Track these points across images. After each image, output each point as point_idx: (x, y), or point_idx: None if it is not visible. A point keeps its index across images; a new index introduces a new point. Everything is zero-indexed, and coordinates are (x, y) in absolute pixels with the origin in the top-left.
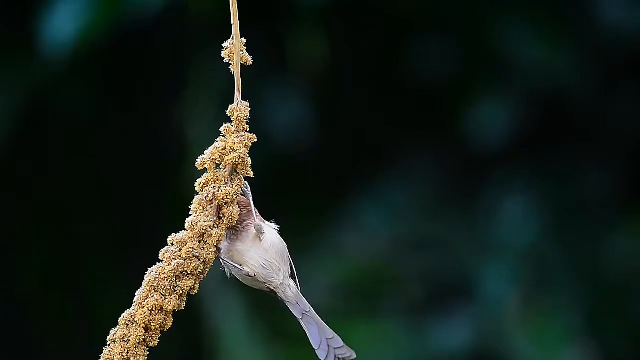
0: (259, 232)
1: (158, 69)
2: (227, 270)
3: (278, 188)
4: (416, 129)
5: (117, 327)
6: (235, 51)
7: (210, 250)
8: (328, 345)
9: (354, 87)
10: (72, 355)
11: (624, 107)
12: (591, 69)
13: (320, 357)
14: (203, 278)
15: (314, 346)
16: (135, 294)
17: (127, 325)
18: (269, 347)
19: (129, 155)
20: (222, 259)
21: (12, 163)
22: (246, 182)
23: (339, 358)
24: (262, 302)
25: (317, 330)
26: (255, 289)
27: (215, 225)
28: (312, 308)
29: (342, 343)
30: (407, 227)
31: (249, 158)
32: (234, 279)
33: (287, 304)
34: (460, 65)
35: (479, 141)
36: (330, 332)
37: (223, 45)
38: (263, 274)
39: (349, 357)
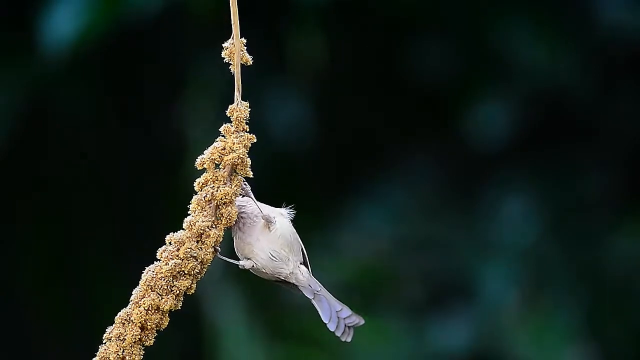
0: (268, 222)
1: (158, 69)
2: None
3: (278, 188)
4: (416, 129)
5: (113, 325)
6: (235, 51)
7: (208, 250)
8: (338, 317)
9: (354, 87)
10: (72, 355)
11: (624, 107)
12: (591, 69)
13: (331, 329)
14: (200, 278)
15: (324, 320)
16: (132, 293)
17: (123, 324)
18: (269, 346)
19: (129, 155)
20: (221, 259)
21: (12, 163)
22: (246, 182)
23: (348, 326)
24: (262, 300)
25: (328, 306)
26: (264, 279)
27: (214, 226)
28: (322, 286)
29: (350, 312)
30: (407, 227)
31: (249, 158)
32: (241, 271)
33: (300, 287)
34: (461, 65)
35: (479, 141)
36: (338, 305)
37: (223, 45)
38: (271, 266)
39: (358, 323)
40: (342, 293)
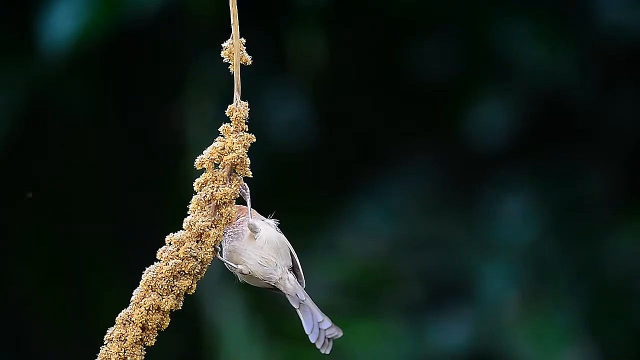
0: (253, 230)
1: (158, 69)
2: (237, 275)
3: (277, 188)
4: (416, 128)
5: (114, 326)
6: (234, 51)
7: (208, 250)
8: (319, 329)
9: (354, 87)
10: (72, 355)
11: (623, 107)
12: (591, 68)
13: (312, 341)
14: (201, 278)
15: (306, 332)
16: (133, 294)
17: (124, 324)
18: (268, 346)
19: (128, 155)
20: (220, 260)
21: (12, 163)
22: (244, 183)
23: (327, 338)
24: (261, 301)
25: (311, 317)
26: (258, 287)
27: (213, 225)
28: (308, 296)
29: (330, 323)
30: (407, 227)
31: (248, 158)
32: (243, 282)
33: (287, 296)
34: (461, 65)
35: (479, 141)
36: (320, 316)
37: (223, 45)
38: (261, 272)
39: (336, 335)
40: (342, 292)
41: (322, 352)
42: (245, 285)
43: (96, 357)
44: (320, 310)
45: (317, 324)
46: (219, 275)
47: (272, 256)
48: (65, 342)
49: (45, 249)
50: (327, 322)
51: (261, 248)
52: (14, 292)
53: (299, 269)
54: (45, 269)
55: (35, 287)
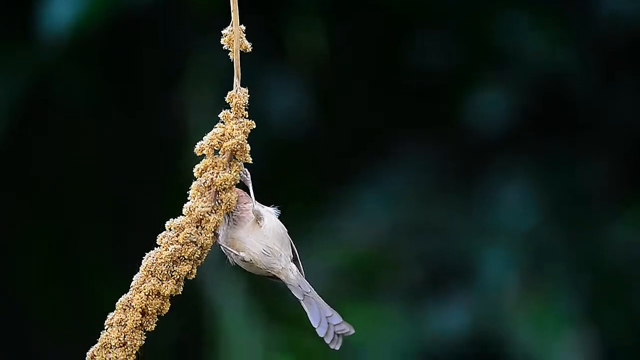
0: (258, 218)
1: (157, 56)
2: (229, 258)
3: (277, 174)
4: (416, 117)
5: (115, 311)
6: (234, 38)
7: (208, 235)
8: (328, 323)
9: (353, 75)
10: (72, 355)
11: (624, 96)
12: (591, 58)
13: (320, 334)
14: (201, 263)
15: (313, 325)
16: (133, 279)
17: (124, 309)
18: (268, 330)
19: (128, 142)
20: (221, 245)
21: (12, 158)
22: (245, 169)
23: (337, 334)
24: (261, 285)
25: (317, 310)
26: (256, 274)
27: (213, 211)
28: (313, 289)
29: (340, 319)
30: (406, 213)
31: (248, 144)
32: (235, 264)
33: (289, 286)
34: (461, 54)
35: (479, 129)
36: (329, 310)
37: (222, 32)
38: (264, 261)
39: (348, 332)
40: (341, 278)
41: (332, 347)
42: (244, 270)
43: (96, 342)
44: (327, 303)
45: (325, 318)
46: (219, 259)
47: (277, 246)
48: (65, 342)
49: (45, 249)
50: (337, 318)
51: (266, 237)
52: (14, 292)
53: (297, 260)
54: (45, 269)
55: (35, 287)
